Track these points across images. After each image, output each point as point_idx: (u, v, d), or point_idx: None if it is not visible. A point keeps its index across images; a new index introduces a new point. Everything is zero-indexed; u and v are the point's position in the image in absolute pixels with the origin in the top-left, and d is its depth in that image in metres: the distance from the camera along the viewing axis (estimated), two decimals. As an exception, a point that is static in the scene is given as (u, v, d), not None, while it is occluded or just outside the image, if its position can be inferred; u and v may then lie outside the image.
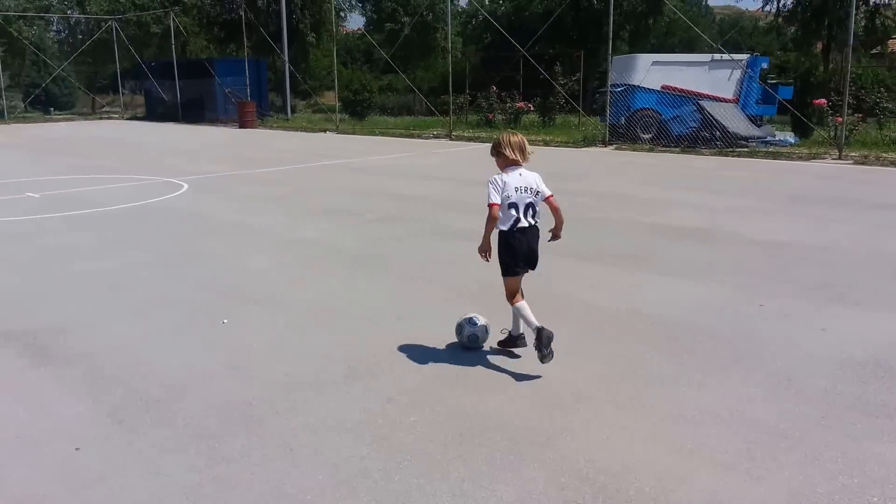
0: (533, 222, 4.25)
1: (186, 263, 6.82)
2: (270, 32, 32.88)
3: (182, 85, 31.17)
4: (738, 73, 18.15)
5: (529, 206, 4.22)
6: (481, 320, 4.55)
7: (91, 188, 11.70)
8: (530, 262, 4.28)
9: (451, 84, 21.87)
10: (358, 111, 28.05)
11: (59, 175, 13.49)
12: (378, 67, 39.99)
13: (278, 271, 6.58)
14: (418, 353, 4.50)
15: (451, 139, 21.31)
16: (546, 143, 19.22)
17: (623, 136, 18.34)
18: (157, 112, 32.74)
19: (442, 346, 4.61)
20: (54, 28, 48.05)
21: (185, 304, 5.58)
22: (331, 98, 46.70)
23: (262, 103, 30.21)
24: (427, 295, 5.78)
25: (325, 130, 24.98)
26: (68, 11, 43.50)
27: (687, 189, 11.16)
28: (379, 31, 49.45)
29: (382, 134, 23.39)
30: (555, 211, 4.35)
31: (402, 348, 4.59)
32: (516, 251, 4.22)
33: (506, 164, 4.27)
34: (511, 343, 4.49)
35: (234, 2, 37.52)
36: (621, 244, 7.43)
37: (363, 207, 9.76)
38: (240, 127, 27.15)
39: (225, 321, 5.17)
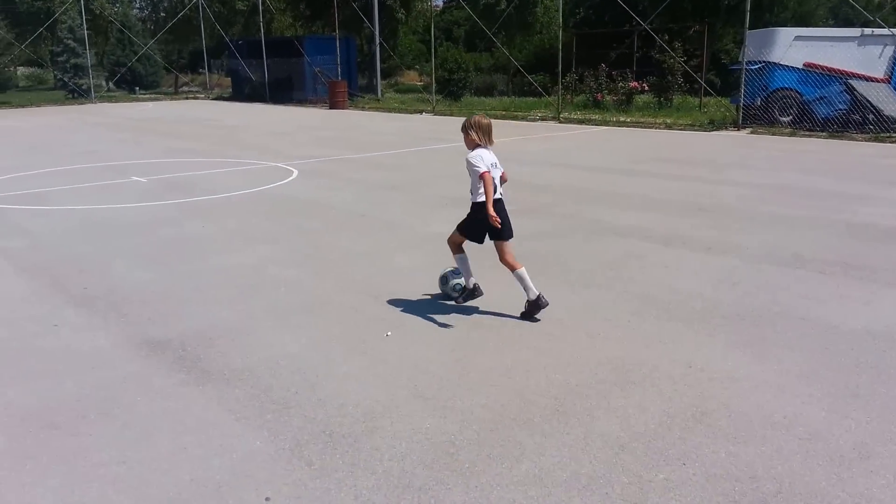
0: (502, 193, 4.92)
1: (325, 260, 6.39)
2: (358, 8, 32.75)
3: (270, 64, 31.36)
4: (889, 51, 16.66)
5: (500, 179, 4.91)
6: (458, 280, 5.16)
7: (197, 173, 11.54)
8: (500, 232, 4.80)
9: (560, 62, 21.02)
10: (453, 91, 27.49)
11: (160, 158, 13.46)
12: (457, 46, 39.31)
13: (428, 273, 6.05)
14: (636, 383, 3.87)
15: (560, 122, 20.50)
16: (668, 126, 18.19)
17: (758, 118, 17.13)
18: (243, 92, 33.11)
19: (671, 377, 3.97)
20: (137, 6, 49.50)
21: (338, 310, 5.12)
22: (411, 78, 46.52)
23: (351, 83, 30.09)
24: (615, 304, 5.13)
25: (420, 111, 24.57)
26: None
27: (864, 181, 10.10)
28: (459, 7, 48.87)
29: (482, 115, 22.74)
30: (503, 182, 4.98)
31: (609, 375, 3.97)
32: (483, 225, 4.81)
33: (474, 144, 4.89)
34: (534, 308, 4.83)
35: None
36: (819, 246, 6.58)
37: (495, 198, 9.18)
38: (330, 107, 27.08)
39: (389, 333, 4.68)
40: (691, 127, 17.85)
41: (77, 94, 33.54)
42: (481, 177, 4.75)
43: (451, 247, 5.11)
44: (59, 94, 35.42)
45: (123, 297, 5.42)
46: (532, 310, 4.84)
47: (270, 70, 31.42)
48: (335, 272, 6.05)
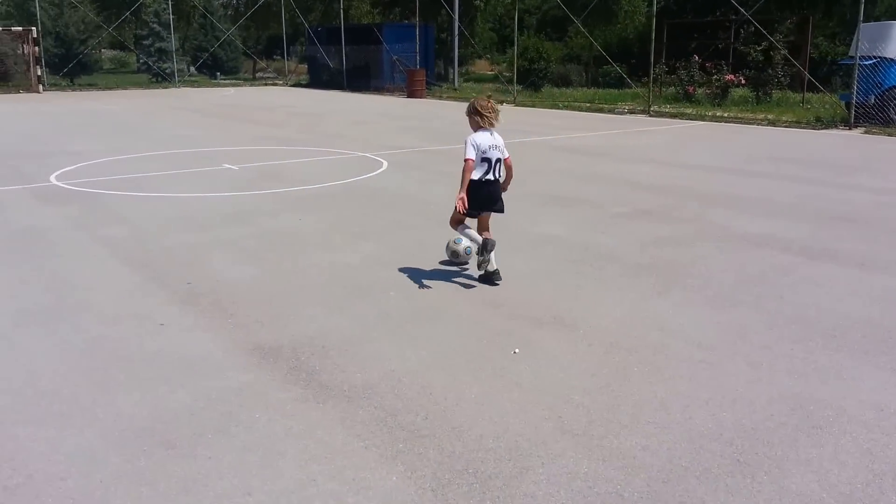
0: (498, 176, 5.27)
1: (432, 261, 6.00)
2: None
3: (348, 51, 31.30)
4: None
5: (498, 161, 5.23)
6: (465, 242, 5.61)
7: (287, 161, 11.34)
8: (489, 205, 5.34)
9: (652, 52, 20.16)
10: (534, 82, 26.84)
11: (248, 145, 13.35)
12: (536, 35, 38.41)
13: (549, 279, 5.60)
14: (822, 428, 3.33)
15: (651, 115, 19.69)
16: (771, 123, 17.21)
17: (872, 117, 16.01)
18: (321, 79, 33.18)
19: (864, 423, 3.41)
20: (220, -9, 50.31)
21: (456, 320, 4.72)
22: (481, 67, 45.84)
23: (429, 72, 29.77)
24: (771, 329, 4.57)
25: (501, 102, 23.98)
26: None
27: None
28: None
29: (567, 107, 22.10)
30: (508, 168, 5.44)
31: (789, 417, 3.43)
32: (476, 198, 5.22)
33: (478, 126, 5.24)
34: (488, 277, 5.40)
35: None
36: None
37: (600, 197, 8.65)
38: (408, 96, 26.82)
39: (516, 351, 4.24)
40: (797, 124, 16.83)
41: (160, 78, 34.20)
42: (465, 161, 5.20)
43: (452, 225, 5.49)
44: (142, 78, 36.22)
45: (228, 295, 5.14)
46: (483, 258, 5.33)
47: (348, 57, 31.36)
48: (445, 276, 5.64)
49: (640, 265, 5.96)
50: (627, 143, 14.04)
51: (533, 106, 22.89)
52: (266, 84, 35.69)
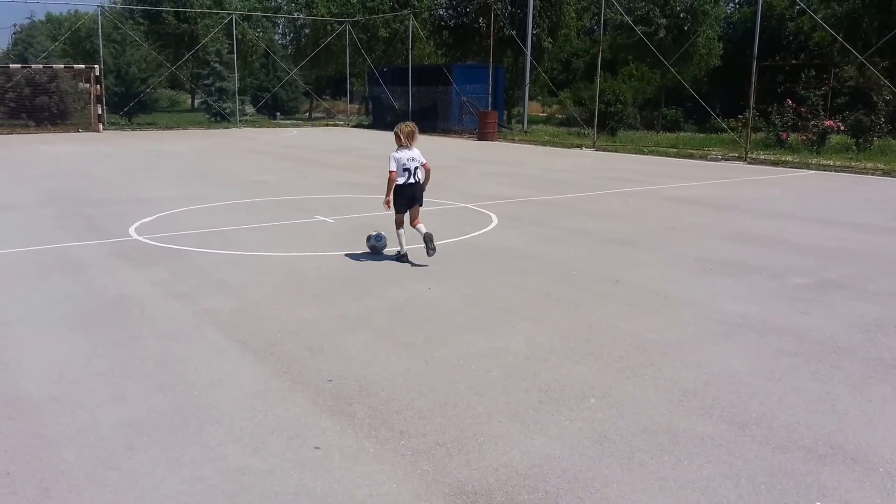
0: (417, 179, 7.27)
1: (615, 352, 4.87)
2: (502, 38, 31.77)
3: (415, 92, 30.73)
4: None
5: (416, 169, 7.24)
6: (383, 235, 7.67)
7: (385, 213, 10.37)
8: (413, 202, 7.31)
9: (752, 95, 18.96)
10: (609, 126, 25.79)
11: (333, 193, 12.49)
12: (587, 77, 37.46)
13: (783, 384, 4.42)
14: None
15: (748, 162, 18.45)
16: (886, 173, 15.88)
17: None
18: (384, 119, 32.62)
19: None
20: (279, 31, 50.65)
21: (704, 449, 3.57)
22: (533, 109, 44.99)
23: (499, 114, 29.00)
24: None
25: (579, 146, 23.02)
26: (295, 13, 45.41)
27: None
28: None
29: (651, 153, 20.96)
30: (427, 172, 7.40)
31: None
32: (403, 197, 7.28)
33: (399, 144, 7.23)
34: (400, 258, 7.36)
35: (468, 5, 37.03)
36: None
37: (766, 263, 7.47)
38: (479, 139, 26.00)
39: (815, 505, 3.07)
40: (922, 175, 15.44)
41: (219, 118, 34.05)
42: (389, 174, 7.16)
43: (396, 224, 7.36)
44: (200, 117, 36.19)
45: (385, 401, 4.08)
46: (428, 247, 7.14)
47: (415, 98, 30.77)
48: (646, 374, 4.51)
49: (882, 362, 4.77)
50: (746, 194, 12.81)
51: (615, 150, 21.81)
52: (327, 124, 35.29)
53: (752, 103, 19.13)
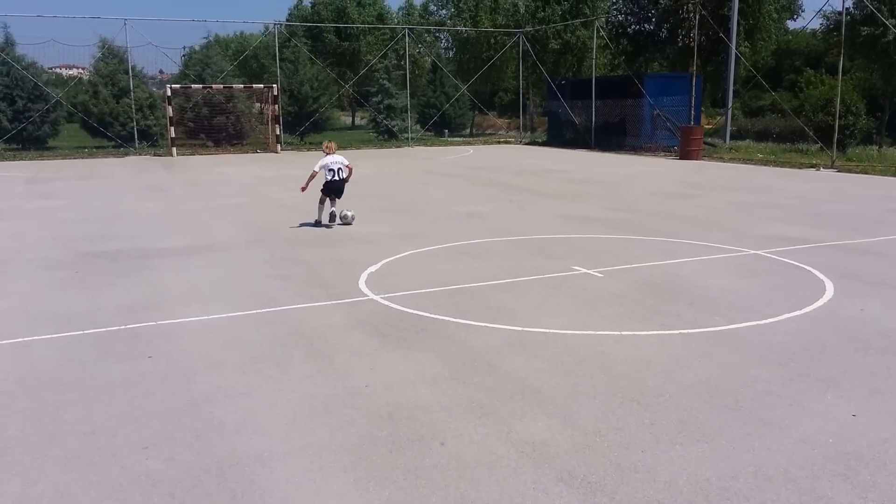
0: (342, 177, 10.89)
1: None
2: (687, 45, 28.94)
3: (598, 106, 28.50)
4: None
5: (340, 169, 10.82)
6: (350, 212, 11.00)
7: (657, 263, 8.29)
8: (338, 194, 10.96)
9: None
10: (841, 141, 22.35)
11: (565, 230, 10.55)
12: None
13: None
14: None
15: None
16: None
17: None
18: (561, 135, 30.61)
19: None
20: (443, 45, 49.91)
21: None
22: (705, 121, 41.14)
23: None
24: None
25: (812, 166, 19.92)
26: (459, 26, 44.39)
27: None
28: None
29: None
30: (350, 170, 11.09)
31: None
32: (329, 189, 10.87)
33: (326, 154, 10.97)
34: (317, 224, 11.01)
35: (651, 10, 34.42)
36: None
37: None
38: (681, 157, 23.38)
39: None
40: None
41: (388, 136, 33.30)
42: (312, 171, 10.91)
43: (320, 202, 11.06)
44: (366, 135, 35.65)
45: None
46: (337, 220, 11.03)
47: (599, 112, 28.51)
48: None
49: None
50: None
51: (863, 171, 18.55)
52: (498, 142, 33.69)
53: None
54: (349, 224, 10.95)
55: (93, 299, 7.00)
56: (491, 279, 7.61)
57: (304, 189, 10.91)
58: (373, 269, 8.15)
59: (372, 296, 7.01)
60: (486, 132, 42.41)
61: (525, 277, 7.69)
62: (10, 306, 6.85)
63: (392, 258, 8.69)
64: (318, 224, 10.90)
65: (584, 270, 7.91)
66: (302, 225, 11.10)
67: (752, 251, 8.79)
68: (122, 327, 6.12)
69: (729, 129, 27.16)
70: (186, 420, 4.34)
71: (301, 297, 7.01)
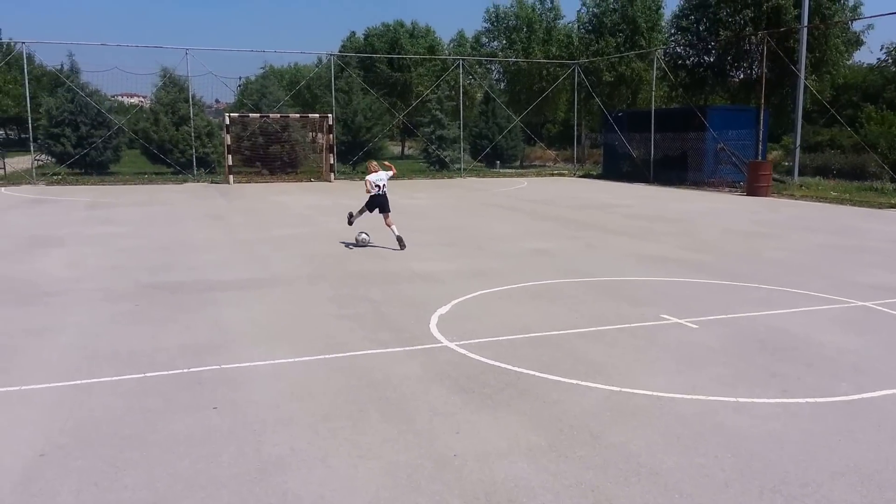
0: (383, 192, 11.79)
1: None
2: (749, 78, 28.15)
3: (658, 138, 27.74)
4: None
5: (383, 185, 11.82)
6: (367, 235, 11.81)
7: (754, 313, 7.59)
8: (382, 208, 11.73)
9: None
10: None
11: (639, 271, 9.89)
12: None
13: None
14: None
15: None
16: None
17: None
18: (617, 169, 29.85)
19: None
20: (494, 77, 49.65)
21: None
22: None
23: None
24: None
25: (893, 206, 18.87)
26: (511, 57, 44.09)
27: None
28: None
29: None
30: (393, 174, 12.29)
31: None
32: (373, 203, 11.79)
33: (370, 171, 11.95)
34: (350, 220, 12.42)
35: (710, 43, 33.68)
36: None
37: None
38: (748, 193, 22.47)
39: None
40: None
41: (439, 166, 32.97)
42: (369, 183, 11.84)
43: (355, 213, 12.17)
44: (416, 165, 35.34)
45: None
46: (401, 245, 11.38)
47: (658, 145, 27.74)
48: None
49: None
50: None
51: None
52: (551, 174, 33.06)
53: None
54: (363, 247, 11.72)
55: (154, 337, 6.59)
56: (573, 327, 7.01)
57: (369, 192, 11.94)
58: (443, 310, 7.61)
59: (446, 342, 6.46)
60: (534, 164, 41.84)
61: (610, 326, 7.07)
62: (69, 342, 6.47)
63: (462, 299, 8.15)
64: (350, 219, 12.23)
65: (675, 320, 7.25)
66: (348, 245, 11.94)
67: (860, 302, 8.01)
68: (186, 371, 5.67)
69: (798, 164, 26.09)
70: (258, 491, 3.82)
71: (370, 342, 6.50)
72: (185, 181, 26.30)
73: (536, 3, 45.46)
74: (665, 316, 7.41)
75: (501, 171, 34.83)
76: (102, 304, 7.89)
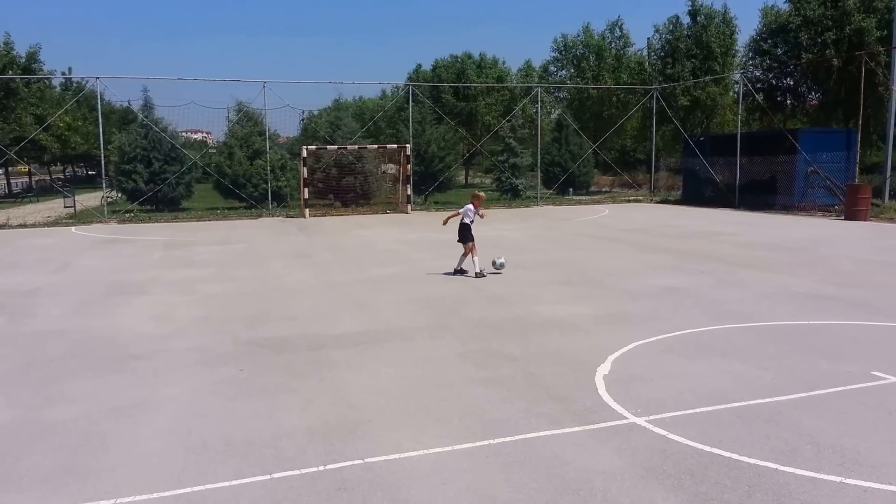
0: (465, 222, 11.56)
1: None
2: (828, 100, 26.14)
3: (744, 162, 25.96)
4: None
5: (475, 216, 11.71)
6: (502, 258, 11.67)
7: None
8: (458, 237, 11.64)
9: None
10: None
11: (799, 313, 8.34)
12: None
13: None
14: None
15: None
16: None
17: None
18: (698, 194, 28.10)
19: None
20: (564, 104, 48.29)
21: None
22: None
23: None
24: None
25: None
26: (578, 80, 42.73)
27: None
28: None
29: None
30: (474, 212, 11.81)
31: None
32: (469, 234, 11.52)
33: (471, 203, 11.79)
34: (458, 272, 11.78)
35: (789, 65, 31.83)
36: None
37: None
38: (846, 218, 20.60)
39: None
40: None
41: (512, 195, 31.68)
42: (461, 213, 11.80)
43: (473, 251, 11.54)
44: (490, 194, 34.10)
45: None
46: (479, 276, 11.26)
47: (744, 170, 25.96)
48: None
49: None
50: None
51: None
52: (628, 200, 31.42)
53: None
54: (499, 272, 11.61)
55: (272, 416, 5.33)
56: (777, 392, 5.55)
57: (444, 223, 12.17)
58: (603, 370, 6.24)
59: (632, 417, 5.08)
60: (602, 190, 40.20)
61: (822, 391, 5.59)
62: (167, 426, 5.16)
63: (619, 353, 6.76)
64: (479, 275, 11.42)
65: (894, 379, 5.73)
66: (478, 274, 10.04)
67: None
68: (322, 468, 4.40)
69: (888, 187, 24.00)
70: None
71: (537, 418, 5.15)
72: (260, 216, 25.51)
73: (606, 31, 44.22)
74: (878, 374, 5.90)
75: (575, 197, 33.38)
76: (200, 369, 6.64)
